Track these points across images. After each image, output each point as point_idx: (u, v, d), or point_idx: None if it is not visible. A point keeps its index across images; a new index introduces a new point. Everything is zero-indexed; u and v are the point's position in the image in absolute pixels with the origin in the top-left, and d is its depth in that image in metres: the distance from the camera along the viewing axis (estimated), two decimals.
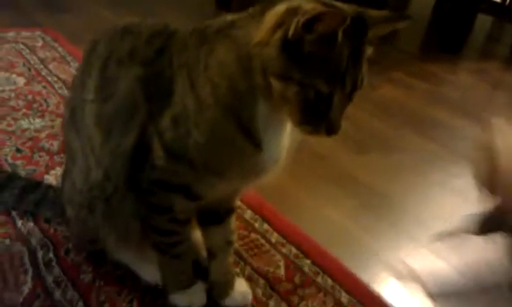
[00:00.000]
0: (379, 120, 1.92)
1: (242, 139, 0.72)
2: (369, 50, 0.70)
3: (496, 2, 3.82)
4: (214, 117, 0.71)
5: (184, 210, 0.81)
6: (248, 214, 1.18)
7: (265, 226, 1.16)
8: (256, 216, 1.18)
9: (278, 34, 0.65)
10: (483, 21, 4.02)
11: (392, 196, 1.42)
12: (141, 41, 0.78)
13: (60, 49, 1.83)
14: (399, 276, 1.13)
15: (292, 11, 0.65)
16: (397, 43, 3.26)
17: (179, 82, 0.73)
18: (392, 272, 1.13)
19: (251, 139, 0.73)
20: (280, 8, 0.67)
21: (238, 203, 1.04)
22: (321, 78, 0.65)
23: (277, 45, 0.65)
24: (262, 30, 0.67)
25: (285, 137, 0.76)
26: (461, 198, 1.48)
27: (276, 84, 0.66)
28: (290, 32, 0.64)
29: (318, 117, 0.68)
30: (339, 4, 0.68)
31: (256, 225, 1.16)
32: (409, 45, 3.35)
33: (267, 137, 0.74)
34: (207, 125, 0.72)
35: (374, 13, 0.70)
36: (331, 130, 0.68)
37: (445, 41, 3.21)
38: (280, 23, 0.65)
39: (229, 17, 0.73)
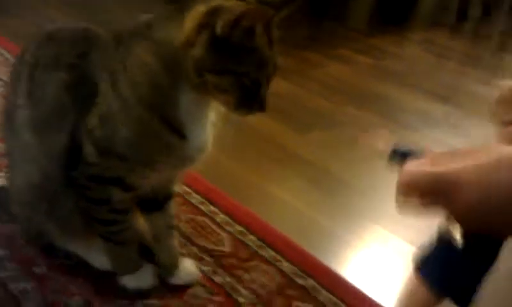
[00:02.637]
0: (323, 98, 2.01)
1: (167, 131, 0.80)
2: (277, 33, 0.79)
3: None
4: (138, 114, 0.78)
5: (122, 200, 0.87)
6: (195, 198, 1.25)
7: (212, 208, 1.23)
8: (203, 199, 1.25)
9: (204, 34, 0.73)
10: None
11: (332, 170, 1.51)
12: (65, 46, 0.84)
13: (5, 53, 1.85)
14: (342, 243, 1.22)
15: (214, 11, 0.73)
16: (346, 22, 3.35)
17: (102, 84, 0.79)
18: (333, 239, 1.22)
19: (176, 131, 0.80)
20: (200, 9, 0.74)
21: (180, 189, 1.11)
22: (252, 66, 0.75)
23: (205, 44, 0.73)
24: (184, 32, 0.74)
25: (209, 126, 0.84)
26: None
27: (211, 78, 0.75)
28: (219, 30, 0.72)
29: (250, 99, 0.78)
30: None
31: (203, 208, 1.23)
32: (357, 22, 3.44)
33: (191, 128, 0.81)
34: (132, 122, 0.78)
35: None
36: (262, 107, 0.79)
37: (390, 14, 3.30)
38: (204, 24, 0.73)
39: (143, 18, 0.80)
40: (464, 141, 1.75)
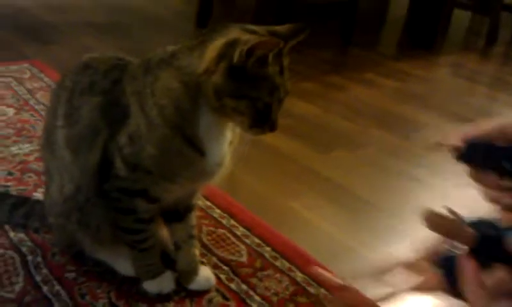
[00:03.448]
0: (347, 120, 2.06)
1: (188, 149, 0.88)
2: (287, 61, 0.88)
3: None
4: (162, 133, 0.87)
5: (146, 211, 0.96)
6: (217, 213, 1.33)
7: (232, 221, 1.30)
8: (225, 214, 1.32)
9: (223, 63, 0.82)
10: (463, 16, 4.14)
11: (353, 189, 1.56)
12: (99, 74, 0.95)
13: (46, 79, 1.99)
14: (361, 260, 1.26)
15: (232, 43, 0.82)
16: (376, 47, 3.41)
17: (132, 106, 0.89)
18: (352, 255, 1.27)
19: (196, 148, 0.89)
20: (219, 42, 0.83)
21: (201, 202, 1.19)
22: (265, 92, 0.84)
23: (224, 72, 0.82)
24: (206, 61, 0.84)
25: (226, 144, 0.92)
26: (420, 186, 1.62)
27: (229, 102, 0.84)
28: (236, 59, 0.81)
29: (263, 120, 0.86)
30: (258, 29, 0.86)
31: (224, 221, 1.30)
32: (386, 46, 3.50)
33: (209, 146, 0.90)
34: (157, 140, 0.87)
35: (283, 30, 0.86)
36: (273, 127, 0.88)
37: (418, 38, 3.33)
38: (223, 55, 0.82)
39: (169, 49, 0.89)
40: None
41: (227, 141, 0.94)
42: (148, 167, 0.90)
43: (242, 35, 0.83)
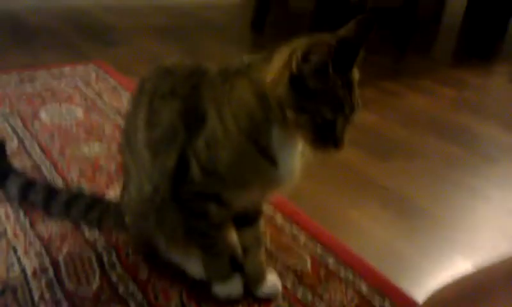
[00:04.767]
0: (404, 128, 2.05)
1: (261, 158, 0.90)
2: (357, 75, 0.86)
3: None
4: (237, 141, 0.89)
5: (218, 215, 0.99)
6: (280, 220, 1.35)
7: (295, 229, 1.32)
8: (287, 221, 1.35)
9: (286, 73, 0.83)
10: None
11: (413, 198, 1.55)
12: (180, 80, 0.98)
13: (112, 80, 2.06)
14: (421, 270, 1.27)
15: (294, 51, 0.82)
16: (430, 54, 3.36)
17: (209, 113, 0.91)
18: (411, 265, 1.27)
19: (268, 157, 0.91)
20: (286, 51, 0.84)
21: (268, 209, 1.21)
22: (326, 108, 0.82)
23: (286, 83, 0.83)
24: (272, 72, 0.85)
25: (297, 154, 0.94)
26: (478, 197, 1.61)
27: (290, 114, 0.84)
28: (293, 66, 0.81)
29: (326, 137, 0.85)
30: (327, 37, 0.83)
31: (287, 229, 1.32)
32: (441, 53, 3.44)
33: (281, 156, 0.91)
34: (232, 147, 0.90)
35: (350, 33, 0.84)
36: (337, 146, 0.86)
37: (475, 47, 3.28)
38: (285, 64, 0.83)
39: (246, 59, 0.92)
40: None
41: (298, 152, 0.95)
42: (221, 173, 0.92)
43: (300, 41, 0.83)
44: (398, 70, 2.91)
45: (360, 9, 2.76)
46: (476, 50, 3.24)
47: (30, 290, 1.05)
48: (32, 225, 1.22)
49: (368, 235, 1.38)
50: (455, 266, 1.30)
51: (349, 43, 0.83)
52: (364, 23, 0.85)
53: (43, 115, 1.75)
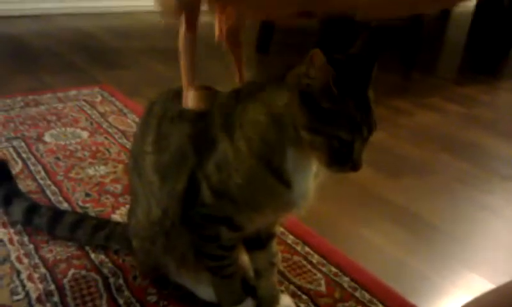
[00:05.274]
0: (413, 145, 2.02)
1: (274, 180, 0.86)
2: (372, 94, 0.82)
3: None
4: (249, 164, 0.86)
5: (229, 239, 0.95)
6: (291, 239, 1.31)
7: (307, 248, 1.28)
8: (298, 240, 1.31)
9: (296, 91, 0.79)
10: None
11: (425, 215, 1.52)
12: None
13: (117, 103, 2.04)
14: (435, 288, 1.22)
15: (300, 68, 0.79)
16: (435, 71, 3.35)
17: (220, 136, 0.88)
18: (425, 284, 1.23)
19: (282, 180, 0.87)
20: (298, 69, 0.80)
21: (279, 229, 1.17)
22: (342, 130, 0.78)
23: (298, 102, 0.79)
24: (287, 91, 0.81)
25: (312, 176, 0.90)
26: (490, 215, 1.57)
27: (305, 135, 0.80)
28: (300, 83, 0.78)
29: (343, 160, 0.81)
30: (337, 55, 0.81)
31: (298, 248, 1.28)
32: (446, 70, 3.43)
33: (295, 178, 0.87)
34: (244, 170, 0.86)
35: (358, 51, 0.82)
36: (355, 168, 0.81)
37: (480, 64, 3.27)
38: (297, 83, 0.80)
39: (258, 81, 0.89)
40: None
41: (313, 174, 0.91)
42: (233, 196, 0.89)
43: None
44: (406, 87, 2.89)
45: (365, 28, 2.75)
46: (482, 66, 3.23)
47: None
48: (36, 248, 1.19)
49: (381, 253, 1.33)
50: (468, 283, 1.25)
51: (359, 60, 0.80)
52: (370, 39, 0.83)
53: (48, 138, 1.72)
